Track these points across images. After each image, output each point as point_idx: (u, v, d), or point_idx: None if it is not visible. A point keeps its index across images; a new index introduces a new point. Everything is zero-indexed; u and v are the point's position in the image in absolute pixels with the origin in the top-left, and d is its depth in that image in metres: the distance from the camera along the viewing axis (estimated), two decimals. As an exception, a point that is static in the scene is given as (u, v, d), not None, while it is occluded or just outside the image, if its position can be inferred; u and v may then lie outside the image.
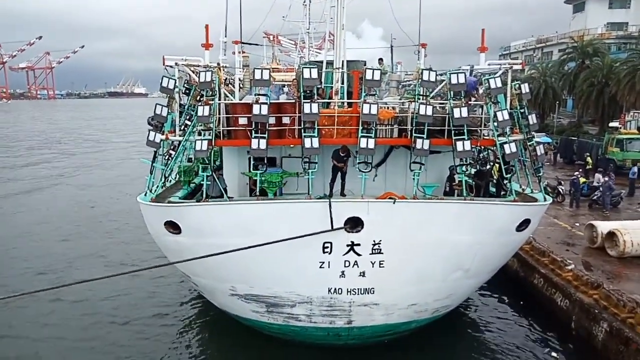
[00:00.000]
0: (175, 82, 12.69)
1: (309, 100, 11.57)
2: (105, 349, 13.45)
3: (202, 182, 12.22)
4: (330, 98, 13.35)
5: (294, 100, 12.26)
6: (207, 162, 11.96)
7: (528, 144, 13.26)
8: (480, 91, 12.99)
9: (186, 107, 12.80)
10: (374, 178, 12.97)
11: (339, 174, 12.16)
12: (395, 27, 18.39)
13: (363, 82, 11.92)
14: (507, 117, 12.23)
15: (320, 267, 11.70)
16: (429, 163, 12.53)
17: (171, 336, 14.32)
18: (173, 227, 12.05)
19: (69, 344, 13.81)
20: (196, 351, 13.70)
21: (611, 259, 16.41)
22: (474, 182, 13.26)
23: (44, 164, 47.50)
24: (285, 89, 14.02)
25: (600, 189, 22.78)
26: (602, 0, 70.02)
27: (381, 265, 11.77)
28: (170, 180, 15.09)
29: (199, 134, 12.23)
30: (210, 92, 12.09)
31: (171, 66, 12.79)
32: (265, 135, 11.60)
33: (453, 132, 11.95)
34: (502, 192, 13.32)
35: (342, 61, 13.46)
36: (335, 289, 11.99)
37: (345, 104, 13.08)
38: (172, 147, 13.19)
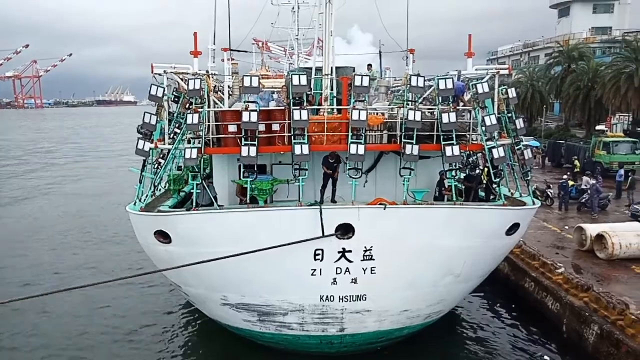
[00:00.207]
0: (164, 90, 12.64)
1: (298, 107, 11.57)
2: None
3: (191, 191, 12.15)
4: (320, 104, 13.37)
5: (283, 107, 12.26)
6: (196, 170, 11.89)
7: (516, 148, 13.38)
8: (468, 96, 13.09)
9: (175, 115, 12.72)
10: (364, 184, 12.99)
11: (330, 180, 12.15)
12: (384, 33, 18.54)
13: (352, 88, 11.96)
14: (494, 121, 12.34)
15: (312, 274, 11.65)
16: (418, 168, 12.57)
17: (161, 346, 14.15)
18: (163, 236, 11.94)
19: (56, 352, 13.62)
20: (186, 361, 13.57)
21: (600, 261, 16.55)
22: (463, 187, 13.33)
23: (32, 173, 46.95)
24: (275, 96, 14.02)
25: (588, 191, 23.03)
26: (586, 5, 71.31)
27: (373, 272, 11.75)
28: (160, 189, 15.00)
29: (189, 142, 12.17)
30: (200, 100, 12.05)
31: (160, 74, 12.75)
32: (255, 143, 11.57)
33: (442, 137, 12.02)
34: (492, 197, 13.40)
35: (331, 67, 13.50)
36: (327, 296, 11.94)
37: (335, 110, 13.11)
38: (161, 155, 13.11)
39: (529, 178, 13.72)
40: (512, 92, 13.45)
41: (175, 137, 12.43)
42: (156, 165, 13.32)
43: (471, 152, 14.95)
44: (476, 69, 13.82)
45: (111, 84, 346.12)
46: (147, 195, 13.46)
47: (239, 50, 19.93)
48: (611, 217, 21.86)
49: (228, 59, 16.37)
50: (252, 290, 12.17)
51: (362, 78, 11.83)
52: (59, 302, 15.56)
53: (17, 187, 39.24)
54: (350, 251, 11.54)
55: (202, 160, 11.97)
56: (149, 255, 13.42)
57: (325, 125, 12.02)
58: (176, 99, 13.01)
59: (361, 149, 11.56)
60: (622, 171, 26.50)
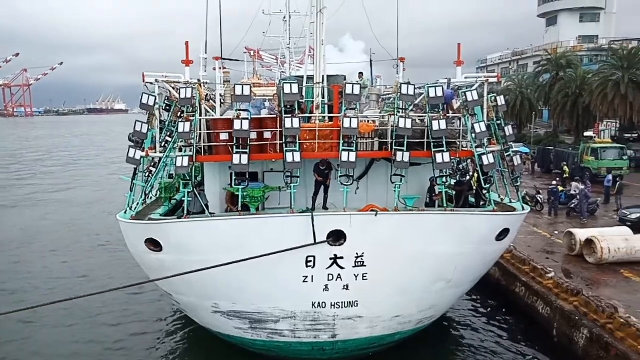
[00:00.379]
0: (155, 99, 12.65)
1: (290, 115, 11.65)
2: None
3: (183, 199, 12.14)
4: (311, 112, 13.46)
5: (275, 115, 12.33)
6: (188, 178, 11.90)
7: (505, 154, 13.55)
8: (457, 104, 13.26)
9: (166, 123, 12.74)
10: (356, 191, 13.07)
11: (322, 187, 12.22)
12: (375, 42, 18.73)
13: (343, 96, 12.07)
14: (484, 128, 12.51)
15: (304, 280, 11.67)
16: (409, 175, 12.68)
17: (151, 354, 14.03)
18: (154, 244, 11.90)
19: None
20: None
21: (589, 265, 16.75)
22: (454, 193, 13.45)
23: (21, 181, 46.49)
24: (267, 104, 14.10)
25: (577, 197, 23.31)
26: (573, 14, 72.53)
27: (364, 278, 11.80)
28: (151, 197, 14.95)
29: (180, 150, 12.18)
30: (191, 108, 12.08)
31: (151, 82, 12.77)
32: (247, 150, 11.61)
33: (432, 144, 12.15)
34: (482, 202, 13.54)
35: (322, 76, 13.61)
36: (319, 302, 11.95)
37: (326, 118, 13.20)
38: (152, 163, 13.09)
39: (518, 184, 13.89)
40: (501, 100, 13.64)
41: (166, 145, 12.43)
42: (147, 174, 13.30)
43: (461, 158, 15.10)
44: (465, 77, 13.99)
45: (102, 92, 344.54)
46: (137, 204, 13.42)
47: (230, 59, 20.02)
48: (600, 222, 22.13)
49: (219, 68, 16.44)
50: (244, 298, 12.14)
51: (353, 86, 11.94)
52: (48, 311, 15.37)
53: (7, 195, 38.81)
54: (341, 257, 11.58)
55: (193, 168, 11.99)
56: (140, 264, 13.35)
57: (317, 133, 12.10)
58: (167, 107, 13.03)
59: (352, 156, 11.65)
60: (610, 176, 26.91)
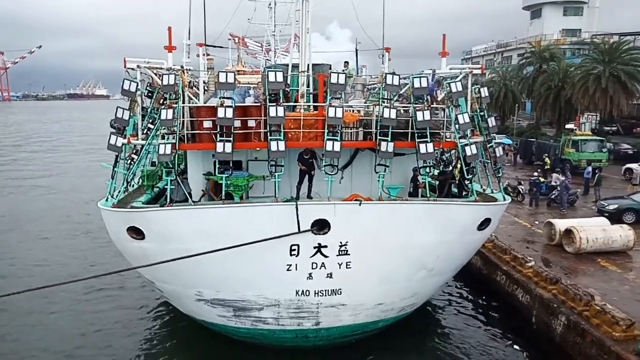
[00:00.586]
0: (138, 85, 12.43)
1: (274, 104, 11.57)
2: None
3: (166, 187, 12.03)
4: (296, 101, 13.39)
5: (259, 104, 12.24)
6: (171, 166, 11.77)
7: (488, 145, 13.70)
8: (442, 95, 13.32)
9: (149, 110, 12.55)
10: (340, 180, 13.10)
11: (307, 176, 12.21)
12: (361, 32, 18.65)
13: (328, 85, 12.03)
14: (467, 120, 12.61)
15: (288, 269, 11.71)
16: (393, 165, 12.74)
17: (135, 344, 13.96)
18: (136, 232, 11.79)
19: (25, 353, 13.27)
20: (161, 359, 13.42)
21: (568, 255, 17.13)
22: (437, 183, 13.57)
23: (0, 167, 45.50)
24: (251, 92, 13.97)
25: (558, 188, 23.73)
26: (557, 8, 73.17)
27: (348, 267, 11.89)
28: (133, 185, 14.77)
29: (163, 138, 12.03)
30: (174, 95, 11.92)
31: (133, 69, 12.54)
32: (231, 139, 11.52)
33: (416, 134, 12.21)
34: (464, 193, 13.69)
35: (308, 64, 13.52)
36: (302, 290, 12.02)
37: (311, 107, 13.14)
38: (134, 151, 12.90)
39: (500, 175, 14.08)
40: (484, 91, 13.75)
41: (149, 132, 12.26)
42: (129, 161, 13.11)
43: (445, 149, 15.23)
44: (450, 68, 14.04)
45: (83, 78, 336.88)
46: (119, 191, 13.24)
47: (214, 46, 19.79)
48: (579, 213, 22.60)
49: (203, 54, 16.22)
50: (228, 286, 12.14)
51: (338, 75, 11.90)
52: (27, 300, 15.15)
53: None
54: (325, 246, 11.64)
55: (176, 156, 11.86)
56: (122, 252, 13.23)
57: (302, 122, 12.06)
58: (150, 94, 12.81)
59: (337, 146, 11.66)
60: (589, 168, 27.42)
